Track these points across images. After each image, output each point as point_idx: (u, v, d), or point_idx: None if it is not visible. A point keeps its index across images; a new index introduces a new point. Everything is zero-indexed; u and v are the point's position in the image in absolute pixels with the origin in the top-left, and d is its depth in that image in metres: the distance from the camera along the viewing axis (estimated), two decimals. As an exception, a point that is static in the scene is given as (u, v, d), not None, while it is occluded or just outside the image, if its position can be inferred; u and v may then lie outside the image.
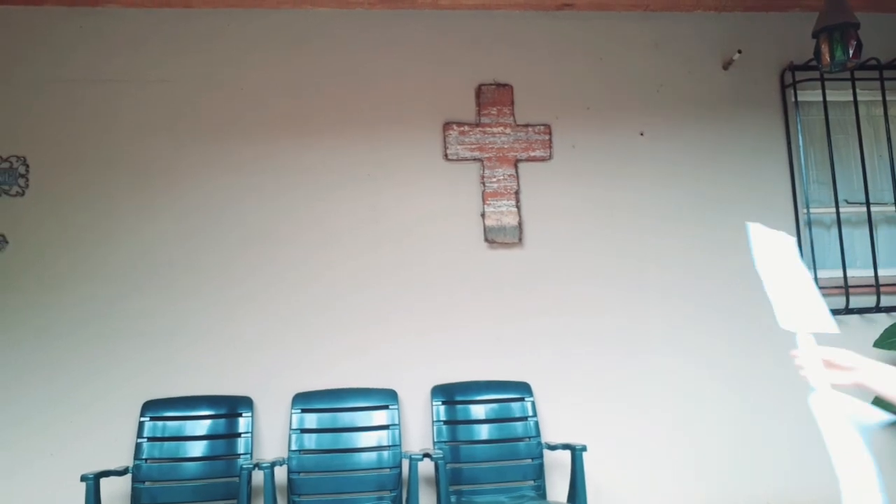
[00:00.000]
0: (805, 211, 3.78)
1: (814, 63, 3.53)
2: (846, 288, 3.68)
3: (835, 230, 3.81)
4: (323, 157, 3.53)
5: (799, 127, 3.84)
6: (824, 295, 4.06)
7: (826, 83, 3.81)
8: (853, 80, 3.82)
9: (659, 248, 3.67)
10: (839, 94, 3.90)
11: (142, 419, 3.20)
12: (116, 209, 3.38)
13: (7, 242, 3.30)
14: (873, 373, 1.49)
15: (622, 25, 3.80)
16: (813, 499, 3.58)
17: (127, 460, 3.15)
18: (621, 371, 3.56)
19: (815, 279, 3.69)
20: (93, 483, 2.84)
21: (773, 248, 1.68)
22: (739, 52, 3.74)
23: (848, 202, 3.88)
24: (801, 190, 3.79)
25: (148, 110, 3.46)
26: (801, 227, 3.76)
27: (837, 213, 3.79)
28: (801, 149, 3.82)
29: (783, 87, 3.87)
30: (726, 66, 3.82)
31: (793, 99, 3.85)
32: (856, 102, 3.85)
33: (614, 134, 3.72)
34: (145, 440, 3.17)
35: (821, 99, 3.84)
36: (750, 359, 3.63)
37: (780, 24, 3.88)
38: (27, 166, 3.36)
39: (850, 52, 3.29)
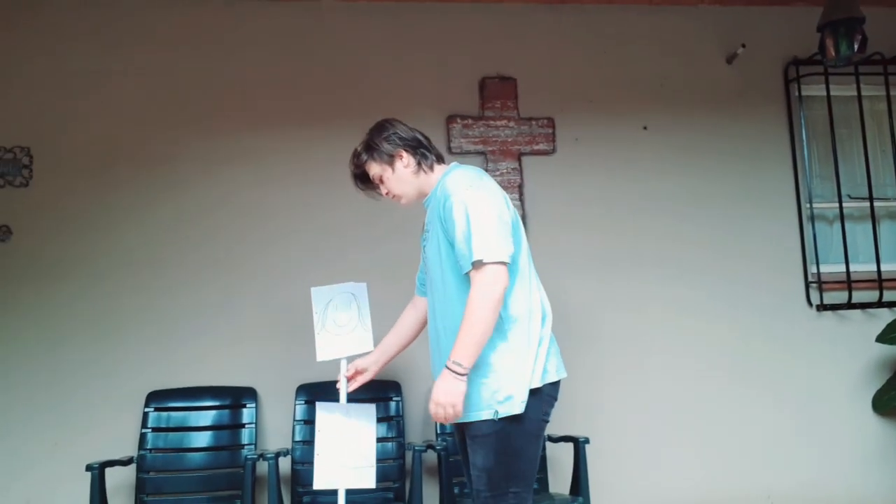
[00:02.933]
0: (808, 205, 3.78)
1: (817, 57, 3.53)
2: (849, 283, 3.69)
3: (837, 225, 3.81)
4: (326, 151, 3.52)
5: (802, 121, 3.84)
6: (826, 290, 4.02)
7: (830, 78, 3.81)
8: (857, 74, 3.82)
9: (661, 241, 3.68)
10: (843, 89, 3.89)
11: (146, 409, 3.22)
12: (120, 200, 3.38)
13: (11, 233, 3.30)
14: (377, 366, 2.53)
15: (626, 19, 3.79)
16: (814, 493, 3.60)
17: (131, 450, 3.17)
18: (625, 364, 3.57)
19: (818, 274, 3.70)
20: (97, 472, 2.86)
21: (334, 295, 2.65)
22: (743, 46, 3.74)
23: (851, 197, 3.88)
24: (804, 184, 3.79)
25: (150, 102, 3.45)
26: (804, 222, 3.76)
27: (840, 207, 3.79)
28: (805, 143, 3.82)
29: (787, 82, 3.86)
30: (730, 60, 3.82)
31: (796, 93, 3.86)
32: (860, 97, 3.85)
33: (617, 127, 3.72)
34: (150, 430, 3.19)
35: (824, 93, 3.83)
36: (752, 351, 3.64)
37: (784, 18, 3.87)
38: (31, 157, 3.36)
39: (855, 46, 3.29)
